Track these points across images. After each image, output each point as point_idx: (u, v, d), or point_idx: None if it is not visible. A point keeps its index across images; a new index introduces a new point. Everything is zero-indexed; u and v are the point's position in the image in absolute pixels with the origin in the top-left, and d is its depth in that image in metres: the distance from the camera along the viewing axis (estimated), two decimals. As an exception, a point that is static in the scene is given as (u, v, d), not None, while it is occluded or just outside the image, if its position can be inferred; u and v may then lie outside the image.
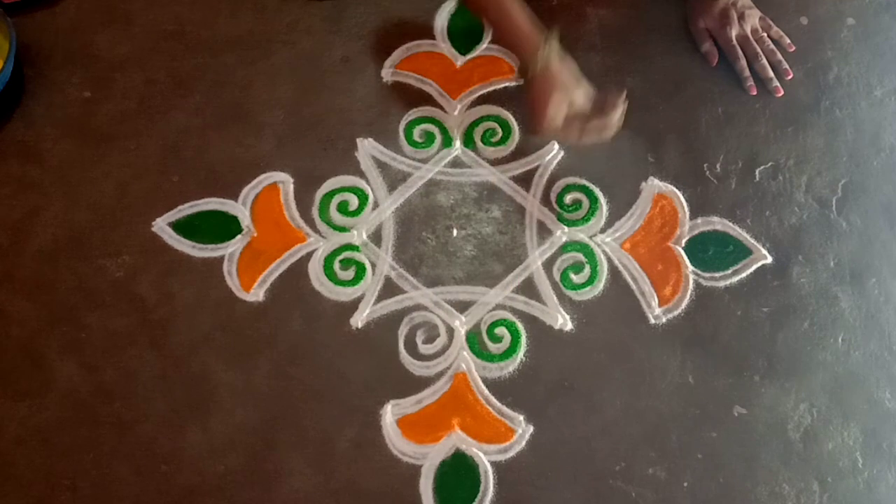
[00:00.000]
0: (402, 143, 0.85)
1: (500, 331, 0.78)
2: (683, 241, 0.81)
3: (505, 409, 0.75)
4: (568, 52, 0.76)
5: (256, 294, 0.79)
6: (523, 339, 0.77)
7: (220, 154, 0.85)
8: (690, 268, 0.80)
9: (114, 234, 0.81)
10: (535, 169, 0.84)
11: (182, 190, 0.83)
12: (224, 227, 0.82)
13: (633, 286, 0.79)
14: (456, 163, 0.85)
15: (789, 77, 0.87)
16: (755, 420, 0.75)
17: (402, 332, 0.77)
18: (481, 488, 0.72)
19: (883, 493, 0.72)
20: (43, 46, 0.89)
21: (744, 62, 0.87)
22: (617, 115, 0.74)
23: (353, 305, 0.79)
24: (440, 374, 0.76)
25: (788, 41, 0.89)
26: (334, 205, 0.83)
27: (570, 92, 0.74)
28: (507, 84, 0.88)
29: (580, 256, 0.80)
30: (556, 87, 0.73)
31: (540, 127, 0.74)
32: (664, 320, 0.78)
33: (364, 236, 0.82)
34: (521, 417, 0.75)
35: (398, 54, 0.89)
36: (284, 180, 0.84)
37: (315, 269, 0.80)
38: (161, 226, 0.82)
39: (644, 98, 0.87)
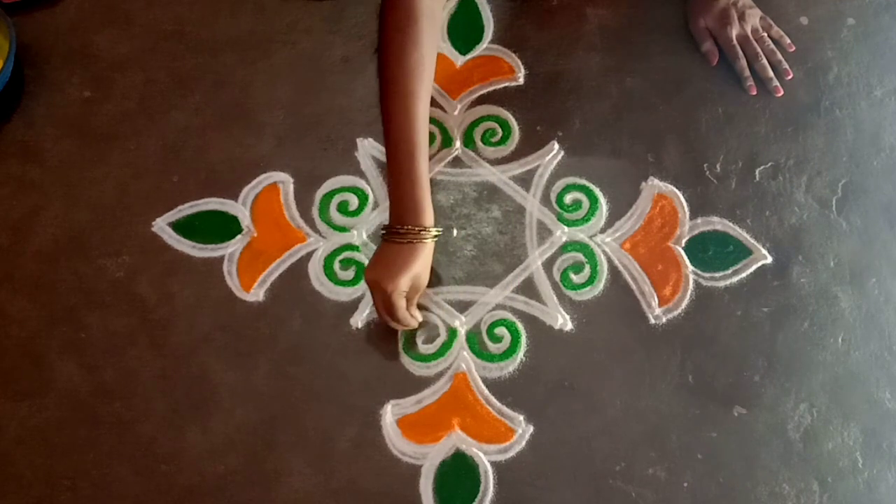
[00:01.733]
0: (402, 143, 0.85)
1: (500, 331, 0.78)
2: (683, 241, 0.81)
3: (505, 409, 0.75)
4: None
5: (256, 294, 0.79)
6: (523, 339, 0.77)
7: (220, 154, 0.85)
8: (690, 268, 0.80)
9: (114, 234, 0.82)
10: (535, 169, 0.84)
11: (182, 190, 0.83)
12: (224, 227, 0.82)
13: (633, 286, 0.79)
14: (456, 163, 0.85)
15: (789, 77, 0.87)
16: (755, 420, 0.75)
17: (402, 331, 0.78)
18: (481, 488, 0.72)
19: (883, 493, 0.72)
20: (43, 46, 0.89)
21: (744, 62, 0.87)
22: (414, 323, 0.75)
23: (353, 305, 0.79)
24: (440, 374, 0.76)
25: (789, 41, 0.89)
26: (334, 205, 0.83)
27: (425, 275, 0.74)
28: (507, 84, 0.88)
29: (580, 256, 0.80)
30: (419, 263, 0.72)
31: (385, 287, 0.70)
32: (664, 320, 0.78)
33: (364, 236, 0.82)
34: (521, 417, 0.75)
35: (398, 54, 0.89)
36: (284, 180, 0.84)
37: (315, 269, 0.80)
38: (161, 226, 0.82)
39: (644, 98, 0.87)
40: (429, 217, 0.73)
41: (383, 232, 0.73)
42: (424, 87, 0.73)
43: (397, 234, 0.72)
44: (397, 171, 0.72)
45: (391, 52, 0.72)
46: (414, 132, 0.72)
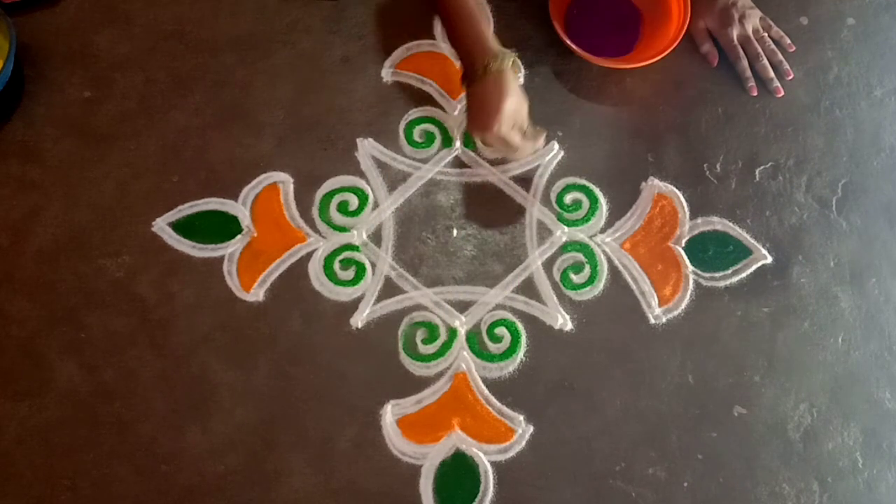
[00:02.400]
0: (402, 143, 0.85)
1: (500, 331, 0.78)
2: (683, 241, 0.81)
3: (505, 409, 0.75)
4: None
5: (256, 294, 0.79)
6: (523, 339, 0.77)
7: (220, 154, 0.85)
8: (690, 268, 0.80)
9: (114, 234, 0.81)
10: (535, 169, 0.84)
11: (182, 190, 0.83)
12: (224, 227, 0.82)
13: (633, 286, 0.79)
14: (456, 163, 0.85)
15: (790, 77, 0.87)
16: (755, 420, 0.75)
17: (402, 331, 0.78)
18: (481, 488, 0.72)
19: (883, 493, 0.72)
20: (43, 46, 0.89)
21: (745, 62, 0.87)
22: (541, 143, 0.77)
23: (353, 305, 0.79)
24: (440, 374, 0.76)
25: (789, 41, 0.89)
26: (334, 205, 0.83)
27: (522, 101, 0.74)
28: (507, 84, 0.88)
29: (580, 256, 0.80)
30: (510, 92, 0.72)
31: (490, 127, 0.71)
32: (664, 320, 0.78)
33: (364, 236, 0.82)
34: (521, 417, 0.75)
35: (398, 54, 0.89)
36: (284, 180, 0.84)
37: (315, 269, 0.80)
38: (161, 226, 0.82)
39: (644, 98, 0.87)
40: (493, 46, 0.73)
41: (462, 82, 0.74)
42: None
43: (476, 75, 0.72)
44: (451, 20, 0.75)
45: None
46: None
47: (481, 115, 0.72)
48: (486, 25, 0.74)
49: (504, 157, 0.78)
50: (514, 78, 0.73)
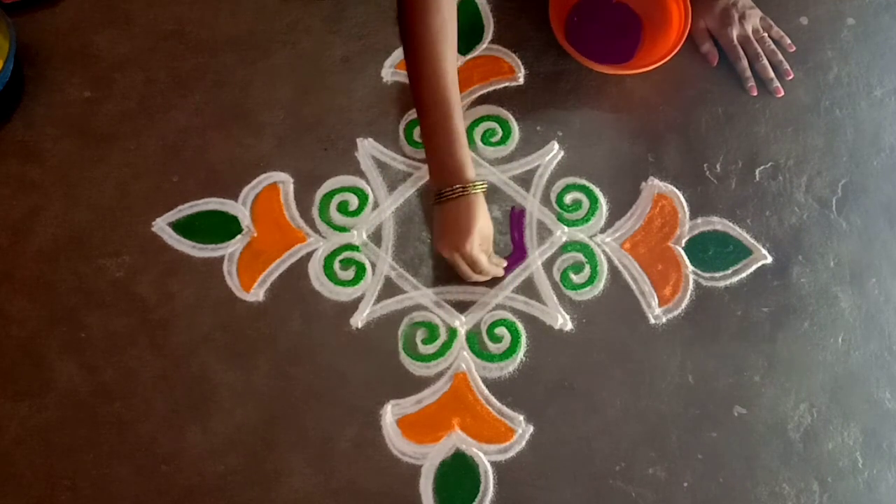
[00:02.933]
0: (402, 143, 0.85)
1: (500, 331, 0.78)
2: (683, 241, 0.81)
3: (505, 409, 0.75)
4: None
5: (256, 294, 0.79)
6: (523, 339, 0.77)
7: (220, 154, 0.85)
8: (690, 268, 0.80)
9: (114, 234, 0.81)
10: (535, 169, 0.84)
11: (182, 190, 0.83)
12: (224, 227, 0.82)
13: (633, 286, 0.79)
14: (456, 163, 0.84)
15: (790, 77, 0.87)
16: (755, 420, 0.75)
17: (402, 331, 0.78)
18: (481, 488, 0.72)
19: (883, 493, 0.72)
20: (43, 46, 0.89)
21: (745, 62, 0.87)
22: (500, 271, 0.78)
23: (353, 305, 0.79)
24: (440, 374, 0.76)
25: (789, 41, 0.89)
26: (334, 205, 0.83)
27: (490, 226, 0.75)
28: (507, 84, 0.88)
29: (580, 256, 0.80)
30: (482, 215, 0.73)
31: (462, 246, 0.72)
32: (664, 320, 0.78)
33: (364, 236, 0.82)
34: (521, 417, 0.75)
35: (398, 54, 0.89)
36: (284, 180, 0.84)
37: (315, 269, 0.80)
38: (161, 226, 0.82)
39: (644, 98, 0.87)
40: (472, 171, 0.74)
41: (436, 199, 0.74)
42: (450, 48, 0.73)
43: (449, 195, 0.73)
44: (435, 134, 0.73)
45: (413, 18, 0.72)
46: (447, 92, 0.72)
47: (453, 233, 0.73)
48: (466, 147, 0.74)
49: (463, 276, 0.77)
50: (483, 202, 0.74)
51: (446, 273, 0.80)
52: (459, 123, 0.73)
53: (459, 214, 0.73)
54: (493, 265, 0.77)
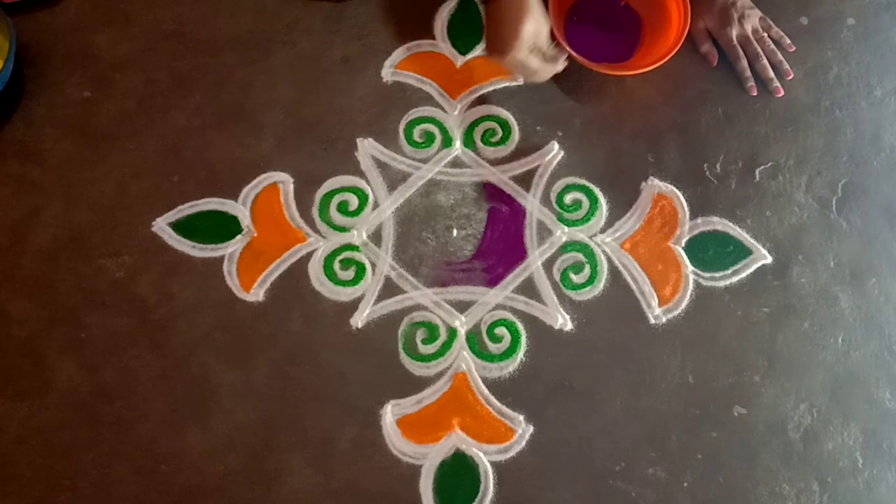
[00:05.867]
0: (402, 143, 0.85)
1: (500, 331, 0.78)
2: (683, 241, 0.81)
3: (505, 409, 0.75)
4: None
5: (256, 294, 0.79)
6: (523, 339, 0.77)
7: (220, 154, 0.85)
8: (690, 268, 0.80)
9: (114, 234, 0.82)
10: (535, 169, 0.84)
11: (182, 190, 0.83)
12: (224, 227, 0.82)
13: (633, 286, 0.79)
14: (456, 163, 0.85)
15: (790, 77, 0.87)
16: (755, 420, 0.75)
17: (402, 331, 0.78)
18: (481, 488, 0.72)
19: (883, 493, 0.72)
20: (43, 46, 0.89)
21: (745, 62, 0.87)
22: (560, 66, 0.75)
23: (353, 305, 0.79)
24: (440, 374, 0.76)
25: (789, 41, 0.89)
26: (334, 205, 0.83)
27: (542, 23, 0.72)
28: (507, 84, 0.88)
29: (580, 256, 0.80)
30: (530, 14, 0.70)
31: (508, 51, 0.69)
32: (664, 320, 0.78)
33: (364, 236, 0.82)
34: (521, 417, 0.75)
35: (398, 54, 0.89)
36: (284, 180, 0.84)
37: (315, 269, 0.80)
38: (161, 226, 0.82)
39: (644, 98, 0.87)
40: None
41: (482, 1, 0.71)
42: None
43: None
44: None
45: None
46: None
47: (499, 37, 0.69)
48: None
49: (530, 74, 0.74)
50: (535, 1, 0.70)
51: (446, 273, 0.80)
52: None
53: (504, 16, 0.69)
54: (549, 63, 0.72)
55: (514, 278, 0.80)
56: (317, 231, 0.82)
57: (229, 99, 0.87)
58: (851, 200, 0.83)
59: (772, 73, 0.87)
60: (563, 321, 0.78)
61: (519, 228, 0.82)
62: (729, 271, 0.80)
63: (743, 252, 0.80)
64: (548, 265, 0.80)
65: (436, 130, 0.86)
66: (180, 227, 0.82)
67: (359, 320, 0.78)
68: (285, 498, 0.72)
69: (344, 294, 0.79)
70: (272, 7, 0.92)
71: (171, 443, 0.74)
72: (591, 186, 0.83)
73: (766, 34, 0.89)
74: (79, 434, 0.74)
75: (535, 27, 0.70)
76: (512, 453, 0.74)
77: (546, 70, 0.73)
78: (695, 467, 0.73)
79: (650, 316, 0.78)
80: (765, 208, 0.82)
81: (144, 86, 0.88)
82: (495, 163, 0.85)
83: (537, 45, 0.72)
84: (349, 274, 0.80)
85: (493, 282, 0.79)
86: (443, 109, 0.87)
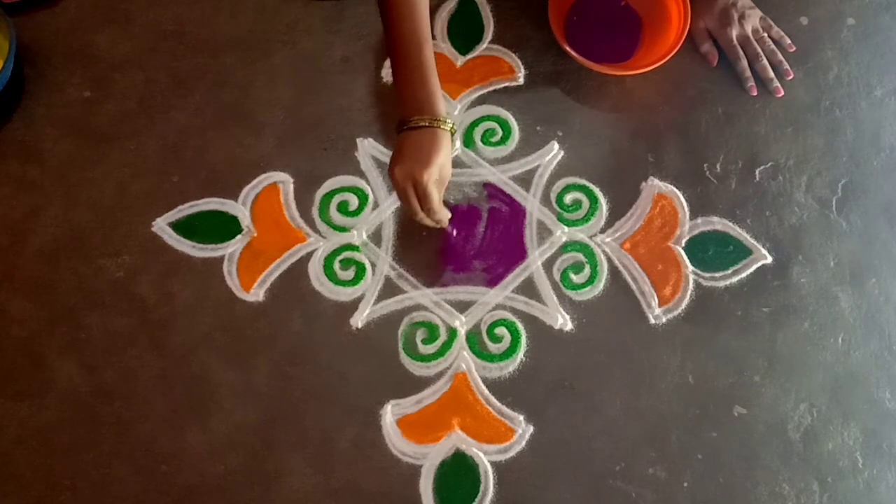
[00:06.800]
0: (402, 143, 0.85)
1: (500, 331, 0.78)
2: (683, 241, 0.81)
3: (505, 409, 0.75)
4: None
5: (256, 294, 0.79)
6: (523, 339, 0.77)
7: (220, 154, 0.85)
8: (690, 268, 0.80)
9: (114, 234, 0.82)
10: (535, 169, 0.84)
11: (182, 190, 0.83)
12: (224, 227, 0.82)
13: (633, 286, 0.79)
14: (456, 163, 0.84)
15: (790, 77, 0.87)
16: (755, 420, 0.75)
17: (402, 331, 0.78)
18: (481, 488, 0.72)
19: (883, 493, 0.72)
20: (43, 46, 0.89)
21: (745, 62, 0.87)
22: (445, 222, 0.77)
23: (353, 305, 0.79)
24: (440, 374, 0.76)
25: (789, 41, 0.89)
26: (334, 205, 0.83)
27: (450, 164, 0.73)
28: (507, 84, 0.88)
29: (580, 256, 0.80)
30: (445, 148, 0.71)
31: (420, 174, 0.69)
32: (664, 320, 0.78)
33: (364, 236, 0.82)
34: (521, 417, 0.75)
35: (398, 54, 0.89)
36: (284, 180, 0.84)
37: (315, 269, 0.80)
38: (161, 226, 0.82)
39: (644, 98, 0.87)
40: (443, 106, 0.71)
41: (401, 127, 0.71)
42: None
43: (416, 124, 0.70)
44: (406, 65, 0.71)
45: None
46: (419, 23, 0.71)
47: (412, 160, 0.70)
48: (437, 82, 0.72)
49: (409, 211, 0.74)
50: (449, 143, 0.72)
51: (446, 273, 0.80)
52: (431, 55, 0.71)
53: (423, 143, 0.69)
54: (444, 208, 0.74)
55: (514, 278, 0.80)
56: (317, 231, 0.82)
57: (229, 99, 0.87)
58: (851, 200, 0.83)
59: (772, 73, 0.87)
60: (563, 321, 0.78)
61: (519, 228, 0.82)
62: (729, 271, 0.80)
63: (743, 252, 0.80)
64: (548, 265, 0.80)
65: (436, 130, 0.86)
66: (180, 227, 0.82)
67: (359, 320, 0.78)
68: (285, 498, 0.72)
69: (344, 294, 0.79)
70: (272, 7, 0.92)
71: (171, 443, 0.74)
72: (591, 186, 0.83)
73: (766, 34, 0.89)
74: (79, 434, 0.74)
75: (446, 167, 0.72)
76: (512, 453, 0.74)
77: (440, 213, 0.73)
78: (695, 467, 0.73)
79: (650, 316, 0.78)
80: (765, 208, 0.82)
81: (144, 86, 0.88)
82: (495, 163, 0.85)
83: (440, 183, 0.72)
84: (349, 274, 0.80)
85: (493, 282, 0.79)
86: (443, 109, 0.87)
